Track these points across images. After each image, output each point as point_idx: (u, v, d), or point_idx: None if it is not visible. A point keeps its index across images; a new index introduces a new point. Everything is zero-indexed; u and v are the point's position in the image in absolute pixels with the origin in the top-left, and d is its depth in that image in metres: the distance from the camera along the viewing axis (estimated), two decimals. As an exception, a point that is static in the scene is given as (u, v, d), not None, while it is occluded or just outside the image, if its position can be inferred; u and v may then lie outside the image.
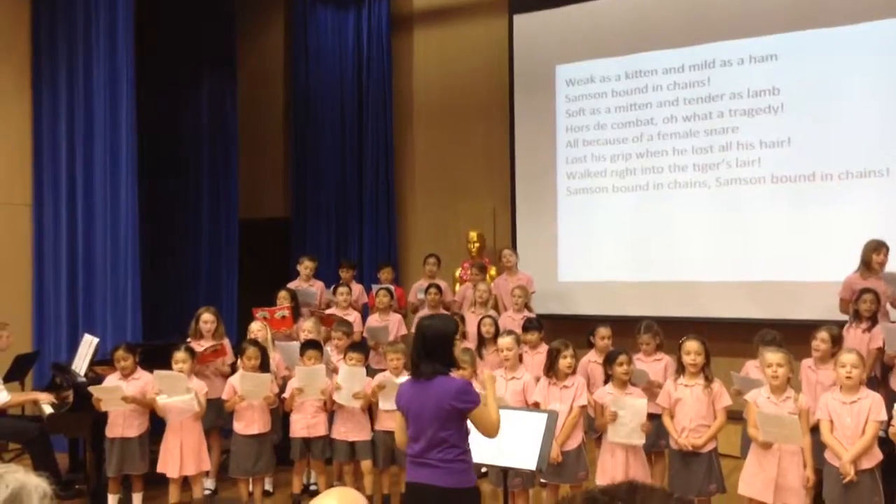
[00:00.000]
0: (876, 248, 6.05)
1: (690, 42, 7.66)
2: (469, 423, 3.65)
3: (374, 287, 7.58)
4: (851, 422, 4.51)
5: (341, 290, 7.28)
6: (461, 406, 3.51)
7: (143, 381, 5.60)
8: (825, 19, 7.06)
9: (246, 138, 9.21)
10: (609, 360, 5.14)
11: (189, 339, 6.26)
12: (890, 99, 6.80)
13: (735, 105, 7.44)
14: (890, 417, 4.45)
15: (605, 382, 5.18)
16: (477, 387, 4.16)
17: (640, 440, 4.87)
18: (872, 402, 4.52)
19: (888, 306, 5.95)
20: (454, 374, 3.85)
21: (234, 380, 5.64)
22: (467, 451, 3.61)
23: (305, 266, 7.75)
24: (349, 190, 9.51)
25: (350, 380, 5.57)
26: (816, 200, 7.08)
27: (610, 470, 4.99)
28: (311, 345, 5.75)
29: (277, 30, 10.15)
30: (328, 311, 7.23)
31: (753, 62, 7.38)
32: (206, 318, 6.26)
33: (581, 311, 8.02)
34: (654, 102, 7.84)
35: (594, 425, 5.30)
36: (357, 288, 7.91)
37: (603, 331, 5.98)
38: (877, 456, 4.48)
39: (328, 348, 6.10)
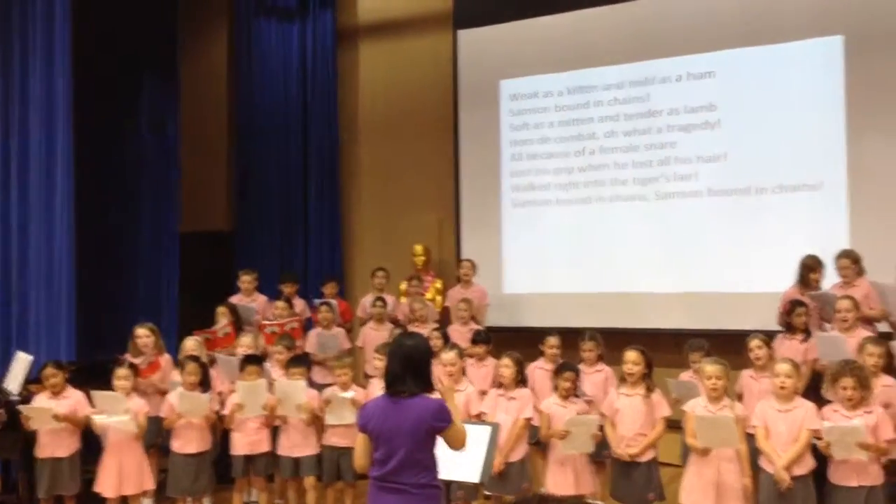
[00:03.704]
0: (813, 267, 6.23)
1: (631, 59, 7.81)
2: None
3: (317, 302, 7.52)
4: (786, 430, 4.64)
5: (280, 304, 7.21)
6: (439, 425, 3.45)
7: (74, 400, 5.47)
8: (760, 37, 7.26)
9: (188, 150, 9.06)
10: (556, 373, 5.27)
11: (127, 356, 6.13)
12: (822, 114, 7.01)
13: (673, 121, 7.61)
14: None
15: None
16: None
17: (590, 448, 5.01)
18: (806, 410, 4.67)
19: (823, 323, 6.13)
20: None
21: (173, 397, 5.53)
22: (438, 475, 3.53)
23: (244, 280, 7.67)
24: (294, 203, 9.44)
25: (288, 393, 5.50)
26: (751, 214, 7.25)
27: (560, 481, 5.08)
28: (252, 360, 5.67)
29: (220, 41, 10.04)
30: (272, 323, 7.11)
31: (691, 79, 7.56)
32: (140, 334, 6.14)
33: (526, 322, 8.06)
34: (595, 117, 7.98)
35: (538, 435, 5.36)
36: (300, 303, 7.85)
37: (552, 340, 6.06)
38: (809, 463, 4.61)
39: (268, 364, 6.02)
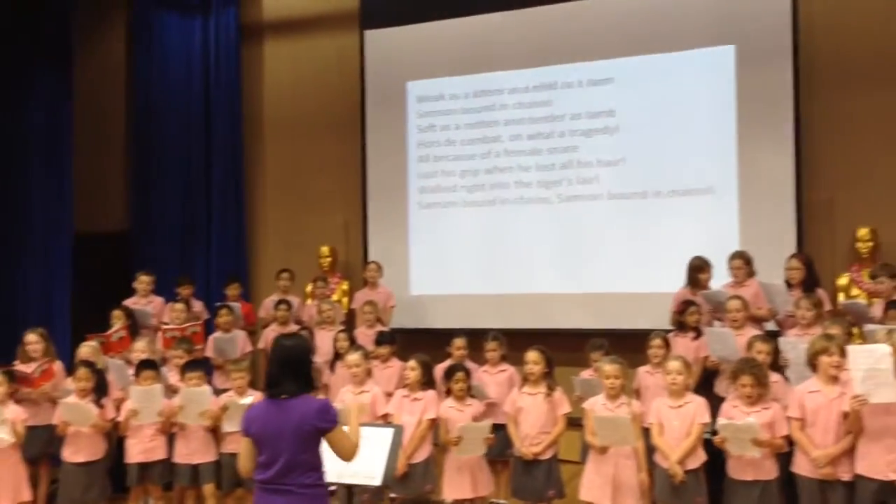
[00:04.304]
0: (700, 268, 6.49)
1: (535, 64, 7.95)
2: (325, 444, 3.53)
3: (216, 305, 7.35)
4: (679, 425, 4.81)
5: (177, 306, 7.02)
6: (323, 425, 3.42)
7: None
8: (656, 46, 7.50)
9: (83, 146, 8.74)
10: (446, 376, 5.28)
11: (16, 363, 5.86)
12: (715, 121, 7.30)
13: (575, 125, 7.78)
14: (714, 425, 4.75)
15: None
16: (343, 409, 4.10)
17: (482, 451, 5.03)
18: (697, 405, 4.85)
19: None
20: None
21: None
22: (324, 474, 3.51)
23: (141, 282, 7.48)
24: (196, 203, 9.18)
25: (193, 400, 5.37)
26: (649, 217, 7.48)
27: (457, 483, 5.10)
28: (147, 365, 5.50)
29: (118, 33, 9.69)
30: (172, 326, 6.91)
31: (591, 85, 7.74)
32: (30, 340, 5.90)
33: (433, 323, 8.10)
34: (500, 121, 8.08)
35: (438, 437, 5.39)
36: (198, 305, 7.67)
37: (458, 341, 6.09)
38: (701, 457, 4.79)
39: (165, 368, 5.86)
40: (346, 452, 3.52)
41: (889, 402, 4.26)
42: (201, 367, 5.71)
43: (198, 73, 9.27)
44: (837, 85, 7.09)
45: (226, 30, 9.26)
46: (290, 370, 3.48)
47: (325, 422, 3.43)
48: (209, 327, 7.40)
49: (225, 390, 6.02)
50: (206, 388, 5.49)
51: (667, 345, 5.69)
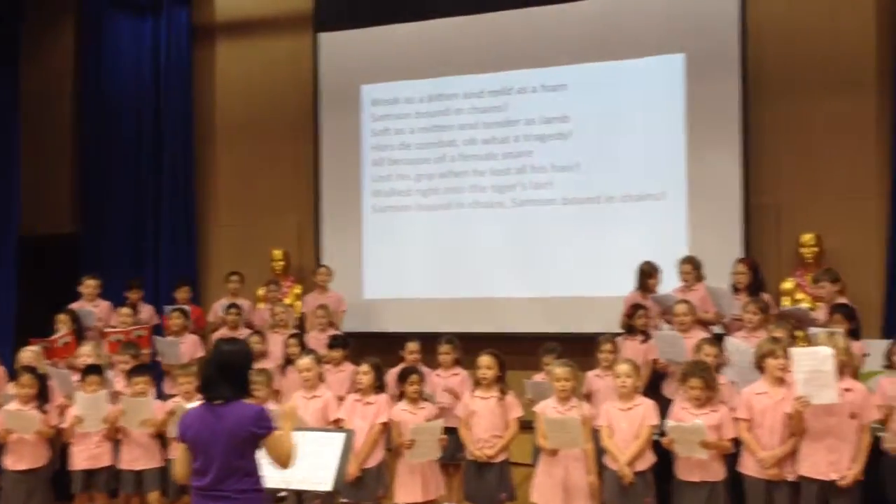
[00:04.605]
0: (650, 273, 6.60)
1: (490, 69, 7.99)
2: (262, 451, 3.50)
3: (168, 308, 7.23)
4: (628, 427, 4.86)
5: (123, 311, 6.90)
6: (259, 431, 3.39)
7: None
8: (610, 53, 7.61)
9: (31, 146, 8.54)
10: (400, 378, 5.27)
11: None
12: (666, 128, 7.42)
13: (529, 130, 7.85)
14: (662, 427, 4.81)
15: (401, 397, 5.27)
16: (276, 411, 4.06)
17: (436, 454, 5.02)
18: (646, 408, 4.91)
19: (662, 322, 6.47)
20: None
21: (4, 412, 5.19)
22: (261, 479, 3.48)
23: (87, 285, 7.35)
24: (145, 205, 9.04)
25: (134, 408, 5.27)
26: (601, 221, 7.57)
27: (409, 487, 5.08)
28: (92, 370, 5.38)
29: (67, 31, 9.51)
30: (116, 330, 6.78)
31: (545, 90, 7.82)
32: (-29, 345, 5.72)
33: (386, 327, 8.08)
34: (455, 125, 8.10)
35: (391, 441, 5.37)
36: (147, 309, 7.53)
37: (412, 346, 6.11)
38: (650, 458, 4.85)
39: (111, 373, 5.74)
40: (283, 458, 3.48)
41: (830, 403, 4.37)
42: (148, 371, 5.61)
43: (148, 75, 9.15)
44: (784, 92, 7.26)
45: (177, 31, 9.14)
46: (227, 375, 3.44)
47: (261, 428, 3.40)
48: (158, 332, 7.27)
49: (173, 395, 5.93)
50: (148, 397, 5.39)
51: (616, 348, 5.75)
